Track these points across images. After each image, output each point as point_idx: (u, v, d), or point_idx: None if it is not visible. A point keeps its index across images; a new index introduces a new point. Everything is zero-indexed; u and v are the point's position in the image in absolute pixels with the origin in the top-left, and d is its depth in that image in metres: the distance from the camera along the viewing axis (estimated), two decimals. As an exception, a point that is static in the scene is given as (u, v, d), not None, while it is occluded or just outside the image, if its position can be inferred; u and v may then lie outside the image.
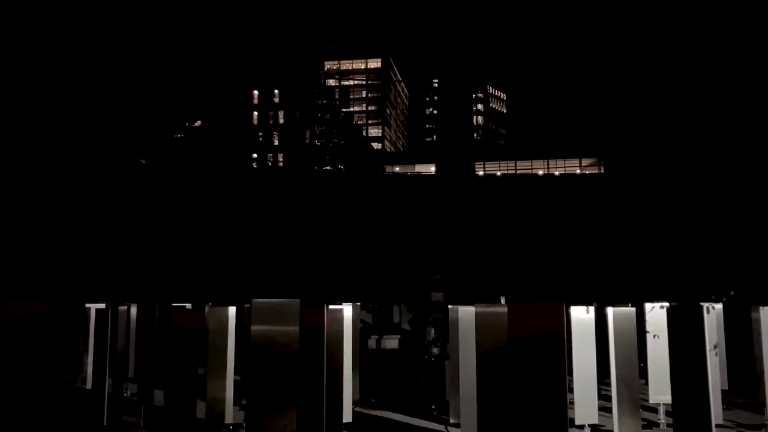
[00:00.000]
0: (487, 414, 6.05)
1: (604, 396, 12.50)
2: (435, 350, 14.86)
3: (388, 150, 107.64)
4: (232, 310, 11.14)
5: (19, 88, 35.58)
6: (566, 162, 76.85)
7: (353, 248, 25.65)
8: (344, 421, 10.39)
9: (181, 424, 8.98)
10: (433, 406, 13.78)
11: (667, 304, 10.93)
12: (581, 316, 10.36)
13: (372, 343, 21.07)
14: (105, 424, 9.97)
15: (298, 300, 7.62)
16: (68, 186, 29.24)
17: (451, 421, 11.59)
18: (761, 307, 11.23)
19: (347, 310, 10.74)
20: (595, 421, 10.26)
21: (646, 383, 13.58)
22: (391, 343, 19.74)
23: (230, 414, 10.78)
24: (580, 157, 77.30)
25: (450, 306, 12.73)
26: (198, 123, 73.33)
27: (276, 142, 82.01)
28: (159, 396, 12.13)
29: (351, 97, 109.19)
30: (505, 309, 6.35)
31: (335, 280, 22.37)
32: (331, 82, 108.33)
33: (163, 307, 11.92)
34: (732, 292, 13.04)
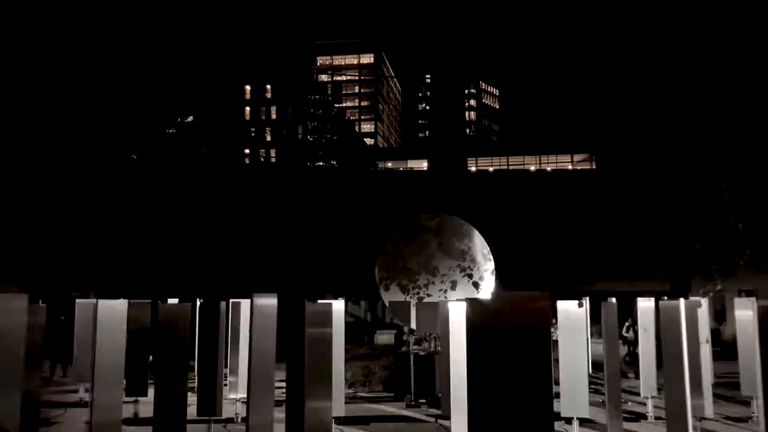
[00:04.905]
0: (477, 408, 6.10)
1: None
2: (427, 345, 14.91)
3: (381, 146, 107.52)
4: (222, 304, 11.14)
5: (7, 84, 35.34)
6: (558, 158, 77.01)
7: (344, 243, 25.66)
8: (336, 415, 10.46)
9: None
10: (423, 400, 13.86)
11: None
12: (570, 309, 10.41)
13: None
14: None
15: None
16: (59, 181, 29.10)
17: (443, 413, 11.65)
18: (738, 299, 11.32)
19: (336, 305, 10.78)
20: (585, 415, 10.31)
21: (637, 377, 13.67)
22: (383, 338, 19.75)
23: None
24: (572, 152, 77.46)
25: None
26: (190, 118, 72.99)
27: (268, 138, 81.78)
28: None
29: (343, 92, 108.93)
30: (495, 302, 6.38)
31: (325, 275, 22.40)
32: (324, 77, 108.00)
33: (155, 303, 11.90)
34: (719, 287, 13.15)
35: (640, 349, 13.04)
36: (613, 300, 10.68)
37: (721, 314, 22.44)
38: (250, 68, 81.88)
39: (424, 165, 79.91)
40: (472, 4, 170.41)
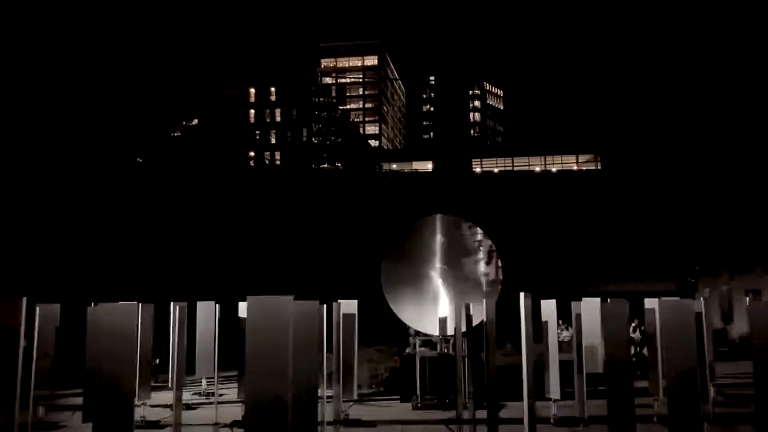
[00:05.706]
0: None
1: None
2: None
3: (385, 147, 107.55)
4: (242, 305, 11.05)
5: (16, 88, 35.53)
6: (563, 158, 76.88)
7: (349, 244, 25.73)
8: (344, 415, 10.49)
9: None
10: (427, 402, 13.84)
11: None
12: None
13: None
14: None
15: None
16: (65, 184, 29.25)
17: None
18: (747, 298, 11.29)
19: (346, 306, 10.81)
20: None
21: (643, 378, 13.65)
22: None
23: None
24: (577, 153, 77.34)
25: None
26: (195, 122, 73.26)
27: (273, 141, 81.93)
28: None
29: (348, 94, 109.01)
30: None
31: (331, 276, 22.45)
32: (328, 79, 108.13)
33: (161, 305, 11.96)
34: (725, 287, 13.12)
35: (647, 350, 13.02)
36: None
37: (728, 314, 22.36)
38: (254, 71, 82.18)
39: (428, 166, 79.91)
40: (476, 5, 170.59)
